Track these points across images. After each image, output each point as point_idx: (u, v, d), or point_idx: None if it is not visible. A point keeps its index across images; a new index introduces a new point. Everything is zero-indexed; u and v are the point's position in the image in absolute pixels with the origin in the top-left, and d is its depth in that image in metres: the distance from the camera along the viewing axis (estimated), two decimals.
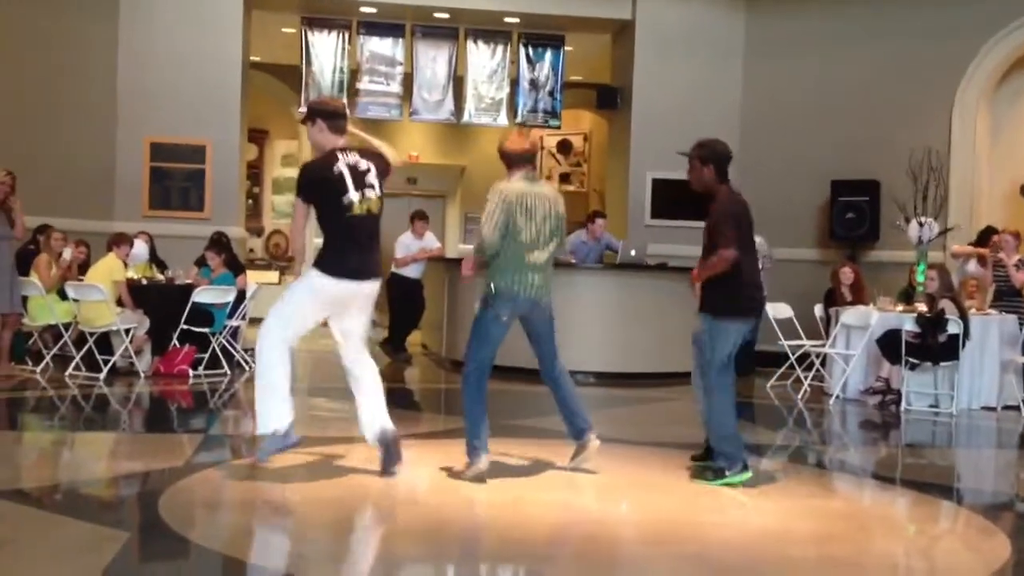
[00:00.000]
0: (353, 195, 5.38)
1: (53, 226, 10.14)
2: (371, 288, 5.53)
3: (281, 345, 5.46)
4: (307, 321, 5.55)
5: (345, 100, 12.35)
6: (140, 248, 10.08)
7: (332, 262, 5.40)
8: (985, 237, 10.24)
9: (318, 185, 5.44)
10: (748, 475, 5.57)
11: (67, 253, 9.88)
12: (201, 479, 5.46)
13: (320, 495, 5.23)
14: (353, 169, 5.44)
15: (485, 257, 5.53)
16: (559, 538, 4.79)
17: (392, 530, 4.90)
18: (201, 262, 10.32)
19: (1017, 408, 8.93)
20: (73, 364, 9.01)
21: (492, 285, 5.52)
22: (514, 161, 5.60)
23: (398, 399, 9.74)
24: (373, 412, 5.52)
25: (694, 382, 5.85)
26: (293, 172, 17.53)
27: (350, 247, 5.43)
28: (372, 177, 5.48)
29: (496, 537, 4.81)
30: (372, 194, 5.46)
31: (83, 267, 10.05)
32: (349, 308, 5.51)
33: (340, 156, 5.45)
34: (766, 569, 4.30)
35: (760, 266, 11.00)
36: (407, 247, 11.53)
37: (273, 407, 5.45)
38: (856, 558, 4.55)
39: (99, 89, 11.64)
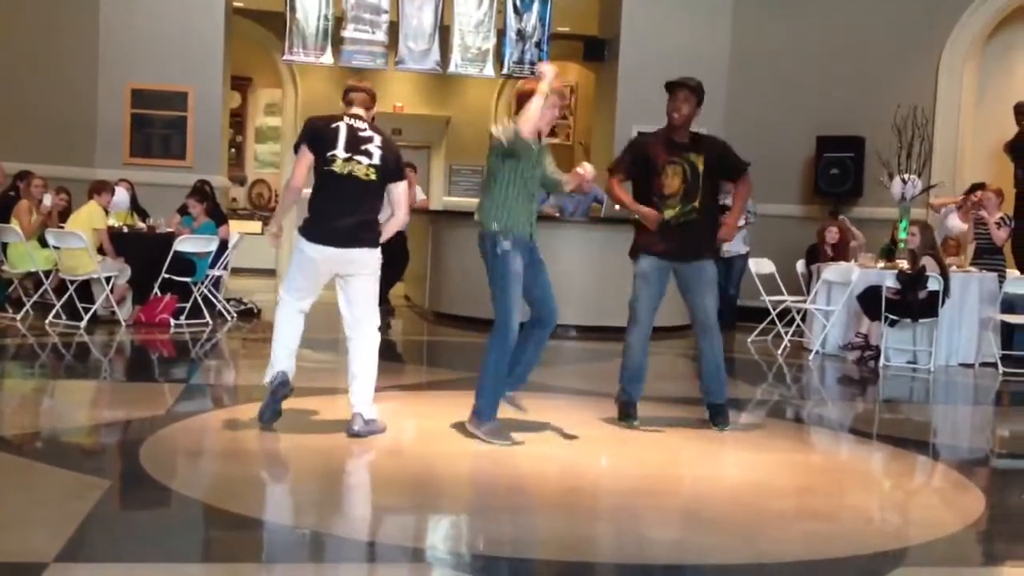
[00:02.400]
0: (340, 152, 5.30)
1: (33, 172, 10.04)
2: (352, 256, 5.33)
3: (288, 308, 5.47)
4: (305, 286, 5.44)
5: (329, 48, 12.24)
6: (121, 196, 10.00)
7: (309, 224, 5.37)
8: (971, 193, 10.26)
9: (312, 136, 5.39)
10: None
11: (47, 200, 9.78)
12: (182, 428, 5.47)
13: (302, 445, 5.25)
14: (352, 131, 5.35)
15: (506, 144, 5.31)
16: (540, 490, 4.82)
17: (375, 480, 4.93)
18: (183, 211, 10.25)
19: (994, 365, 9.02)
20: (54, 312, 8.96)
21: (495, 223, 5.35)
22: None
23: (381, 351, 9.70)
24: (354, 393, 5.40)
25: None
26: (277, 121, 17.39)
27: (326, 209, 5.33)
28: (373, 147, 5.35)
29: (478, 488, 4.85)
30: (364, 160, 5.31)
31: (64, 214, 9.96)
32: (340, 274, 5.39)
33: (346, 119, 5.41)
34: (745, 520, 4.35)
35: (745, 221, 11.16)
36: None
37: (271, 359, 5.45)
38: (833, 511, 4.61)
39: (80, 35, 11.46)
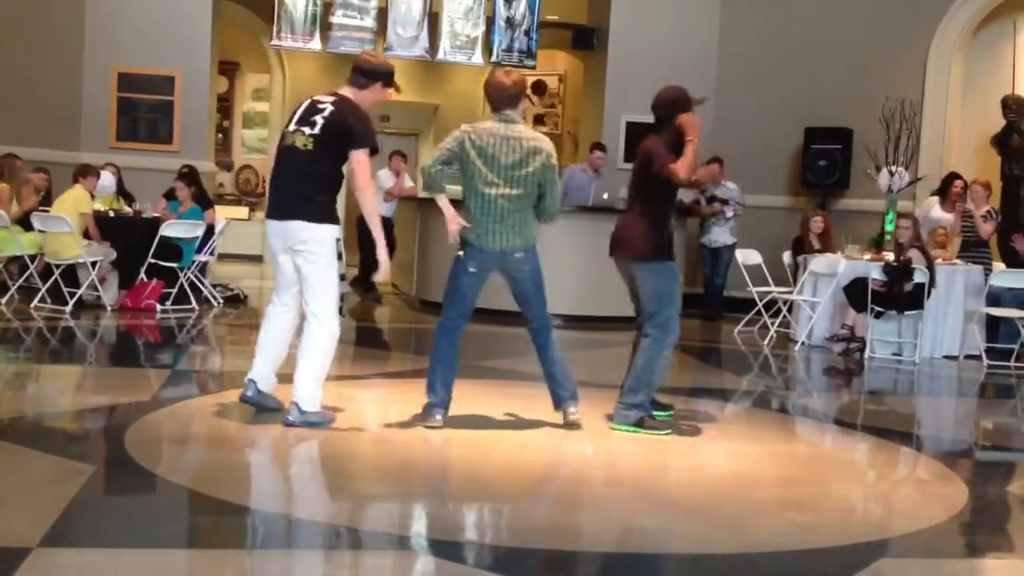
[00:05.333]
0: (291, 125, 5.24)
1: (16, 154, 9.97)
2: (289, 228, 5.13)
3: (273, 301, 5.44)
4: (276, 274, 5.38)
5: (318, 34, 12.18)
6: (107, 180, 9.96)
7: (268, 200, 5.39)
8: (948, 183, 10.29)
9: (289, 117, 5.38)
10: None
11: (35, 179, 9.83)
12: (168, 414, 5.45)
13: (288, 432, 5.23)
14: (312, 105, 5.25)
15: (428, 191, 5.35)
16: (525, 479, 4.83)
17: (361, 467, 4.92)
18: (170, 195, 10.21)
19: (979, 357, 9.07)
20: (39, 296, 8.92)
21: (463, 234, 5.34)
22: (491, 100, 5.43)
23: (368, 338, 9.78)
24: (295, 381, 5.22)
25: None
26: (264, 106, 17.31)
27: (273, 181, 5.34)
28: (319, 116, 5.16)
29: (463, 476, 4.85)
30: (307, 130, 5.14)
31: (46, 196, 9.91)
32: (291, 256, 5.21)
33: (318, 95, 5.32)
34: (729, 510, 4.37)
35: (732, 212, 11.17)
36: (384, 183, 11.51)
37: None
38: (817, 502, 4.62)
39: (66, 16, 11.39)
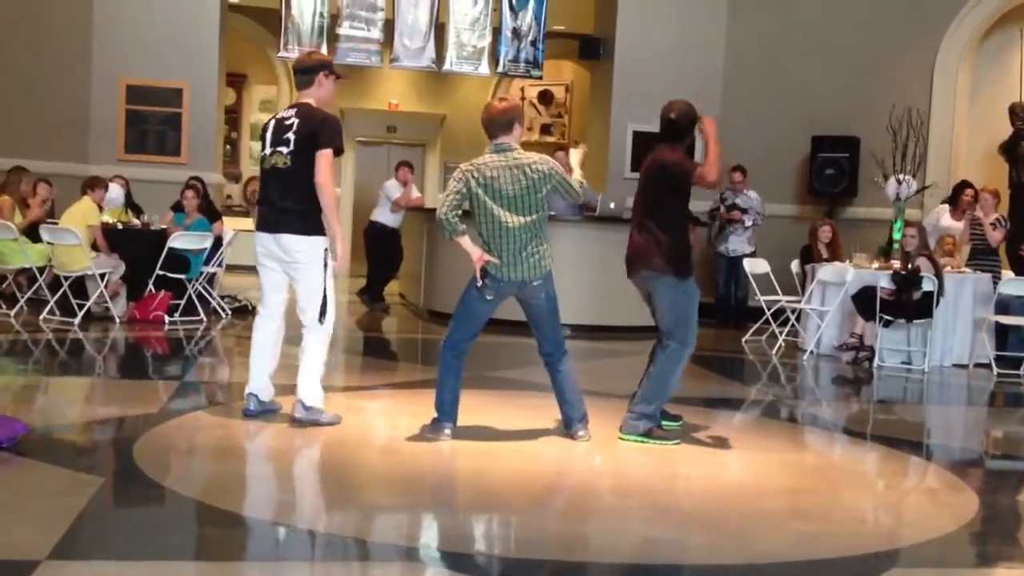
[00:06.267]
0: (267, 149, 5.48)
1: (24, 167, 10.01)
2: (279, 242, 5.41)
3: (259, 311, 5.68)
4: (262, 282, 5.62)
5: (325, 46, 12.21)
6: (115, 192, 9.98)
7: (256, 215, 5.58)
8: (959, 191, 10.29)
9: (261, 140, 5.60)
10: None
11: (42, 191, 9.85)
12: (176, 426, 5.46)
13: (296, 444, 5.24)
14: (279, 124, 5.47)
15: (450, 237, 5.33)
16: (534, 489, 4.82)
17: (368, 478, 4.92)
18: (178, 207, 10.24)
19: (988, 366, 9.03)
20: (48, 308, 8.94)
21: (485, 267, 5.33)
22: (485, 128, 5.40)
23: (375, 349, 9.78)
24: (298, 383, 5.48)
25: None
26: None
27: (261, 199, 5.57)
28: (291, 133, 5.39)
29: (471, 487, 4.84)
30: (283, 150, 5.40)
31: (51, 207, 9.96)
32: (282, 266, 5.49)
33: (282, 112, 5.57)
34: (737, 521, 4.35)
35: (751, 223, 11.20)
36: (392, 193, 11.54)
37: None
38: (826, 511, 4.61)
39: (74, 30, 11.44)
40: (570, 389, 5.57)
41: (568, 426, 5.58)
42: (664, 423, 5.70)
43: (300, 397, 5.46)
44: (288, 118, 5.46)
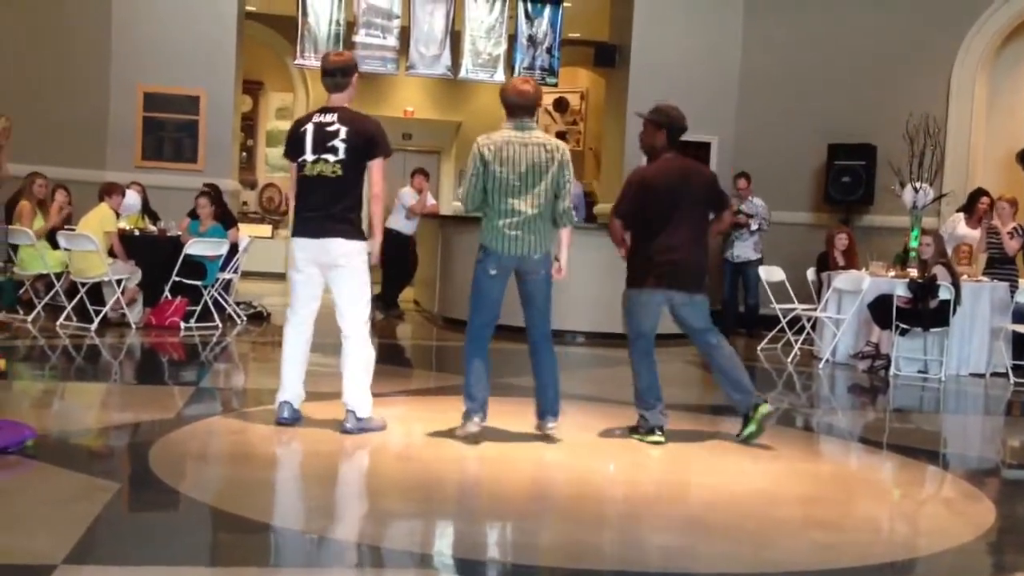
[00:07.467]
0: (308, 155, 5.39)
1: (40, 173, 10.07)
2: (327, 247, 5.37)
3: (290, 319, 5.62)
4: (297, 289, 5.56)
5: None
6: (132, 199, 10.03)
7: (294, 221, 5.53)
8: (974, 200, 10.24)
9: (290, 144, 5.54)
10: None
11: (59, 196, 9.91)
12: (192, 431, 5.48)
13: (311, 449, 5.25)
14: (320, 129, 5.40)
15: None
16: (547, 496, 4.82)
17: (383, 485, 4.92)
18: (195, 214, 10.28)
19: (1005, 375, 8.98)
20: (64, 314, 8.99)
21: (481, 239, 5.47)
22: (507, 107, 5.48)
23: (390, 356, 9.78)
24: (345, 391, 5.49)
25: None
26: (287, 125, 17.36)
27: (302, 207, 5.47)
28: (338, 141, 5.35)
29: (485, 494, 4.84)
30: (330, 158, 5.35)
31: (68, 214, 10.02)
32: (323, 272, 5.45)
33: (316, 115, 5.48)
34: (751, 529, 4.34)
35: (756, 227, 11.14)
36: (406, 200, 11.56)
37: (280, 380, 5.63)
38: (841, 520, 4.59)
39: (92, 37, 11.50)
40: (551, 378, 5.58)
41: (541, 416, 5.60)
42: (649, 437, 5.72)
43: (351, 408, 5.43)
44: (330, 124, 5.39)
